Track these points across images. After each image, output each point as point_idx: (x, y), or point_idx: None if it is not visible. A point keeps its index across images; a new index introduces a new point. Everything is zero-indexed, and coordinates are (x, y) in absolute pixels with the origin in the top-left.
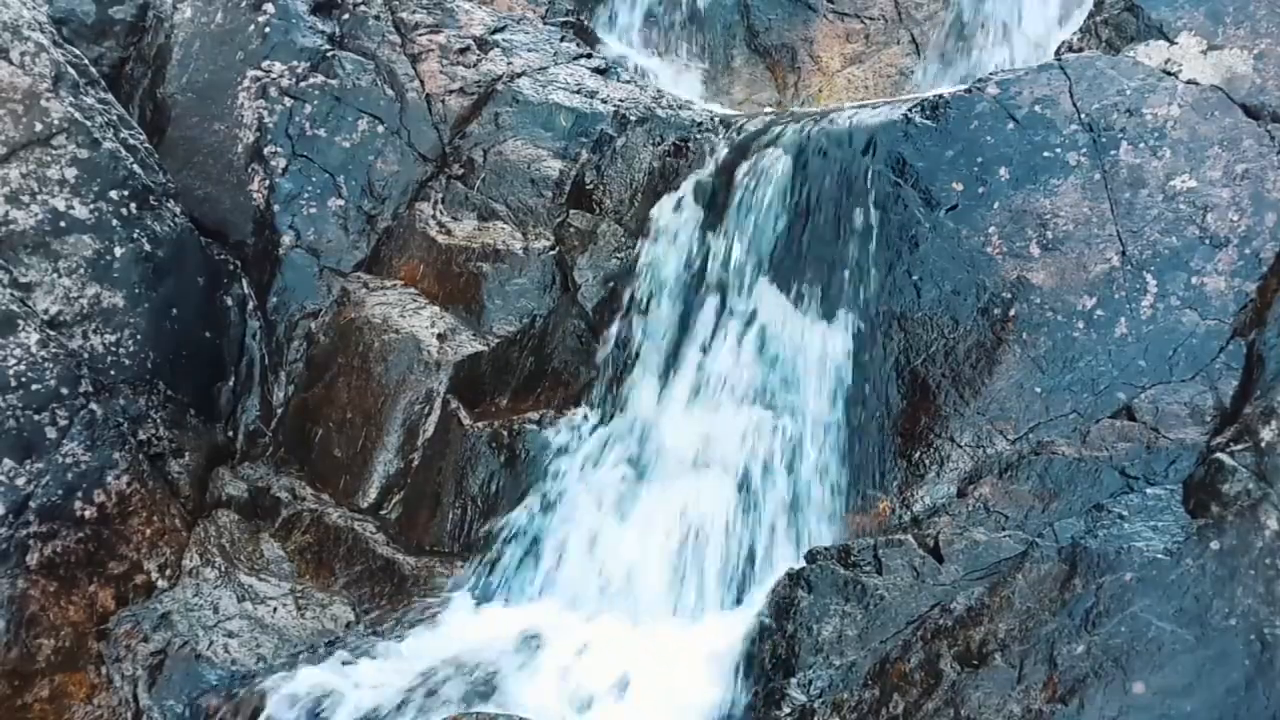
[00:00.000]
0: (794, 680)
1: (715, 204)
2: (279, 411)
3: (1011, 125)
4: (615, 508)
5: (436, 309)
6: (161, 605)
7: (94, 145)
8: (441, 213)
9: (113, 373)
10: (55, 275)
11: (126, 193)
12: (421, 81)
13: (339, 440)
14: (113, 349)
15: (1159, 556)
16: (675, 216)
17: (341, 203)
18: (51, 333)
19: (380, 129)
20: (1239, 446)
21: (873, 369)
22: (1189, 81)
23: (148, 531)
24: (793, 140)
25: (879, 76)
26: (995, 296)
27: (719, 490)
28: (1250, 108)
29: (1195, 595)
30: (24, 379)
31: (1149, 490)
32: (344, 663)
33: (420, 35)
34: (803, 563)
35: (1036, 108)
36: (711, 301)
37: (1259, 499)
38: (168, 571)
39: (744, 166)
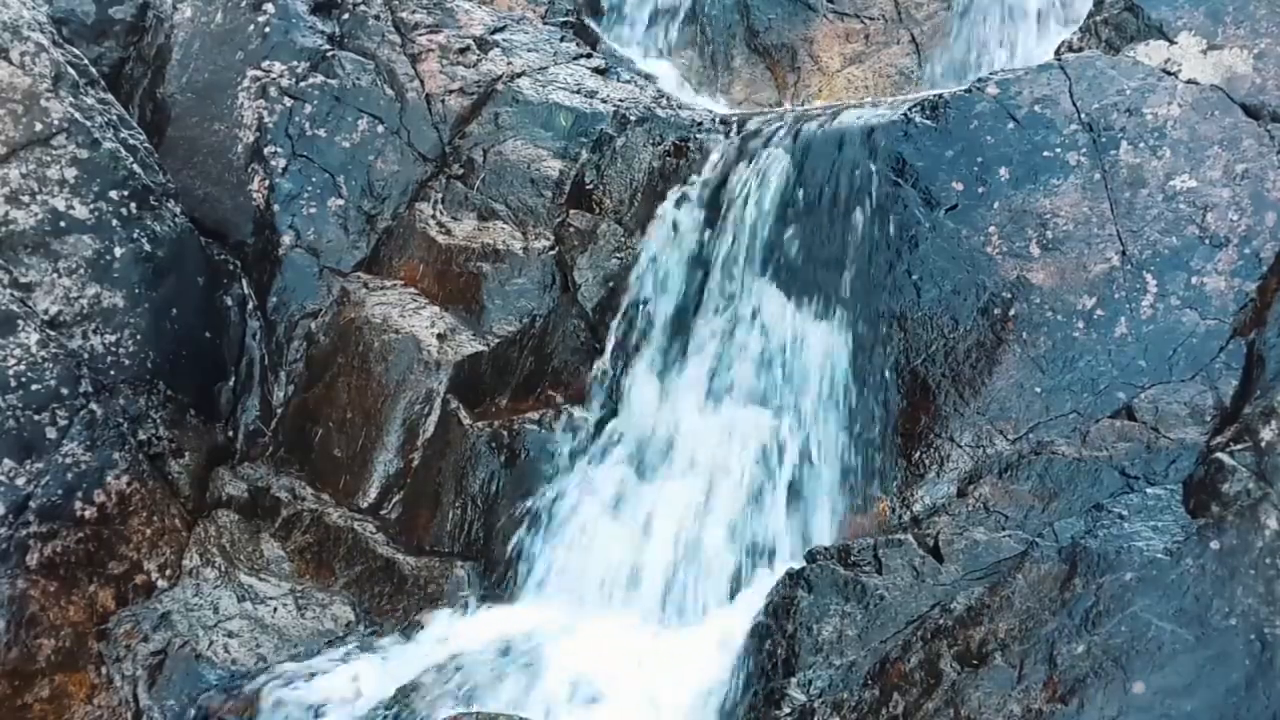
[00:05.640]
0: (794, 680)
1: (715, 204)
2: (279, 411)
3: (1011, 125)
4: (615, 507)
5: (436, 309)
6: (161, 605)
7: (94, 145)
8: (441, 213)
9: (113, 373)
10: (55, 275)
11: (126, 193)
12: (421, 81)
13: (339, 440)
14: (113, 349)
15: (1159, 556)
16: (675, 217)
17: (341, 203)
18: (51, 333)
19: (380, 129)
20: (1239, 446)
21: (873, 369)
22: (1189, 81)
23: (148, 531)
24: (792, 140)
25: (879, 76)
26: (995, 296)
27: (719, 490)
28: (1250, 107)
29: (1195, 595)
30: (24, 379)
31: (1149, 490)
32: (344, 663)
33: (420, 35)
34: (803, 562)
35: (1036, 107)
36: (711, 302)
37: (1259, 499)
38: (168, 571)
39: (744, 166)
